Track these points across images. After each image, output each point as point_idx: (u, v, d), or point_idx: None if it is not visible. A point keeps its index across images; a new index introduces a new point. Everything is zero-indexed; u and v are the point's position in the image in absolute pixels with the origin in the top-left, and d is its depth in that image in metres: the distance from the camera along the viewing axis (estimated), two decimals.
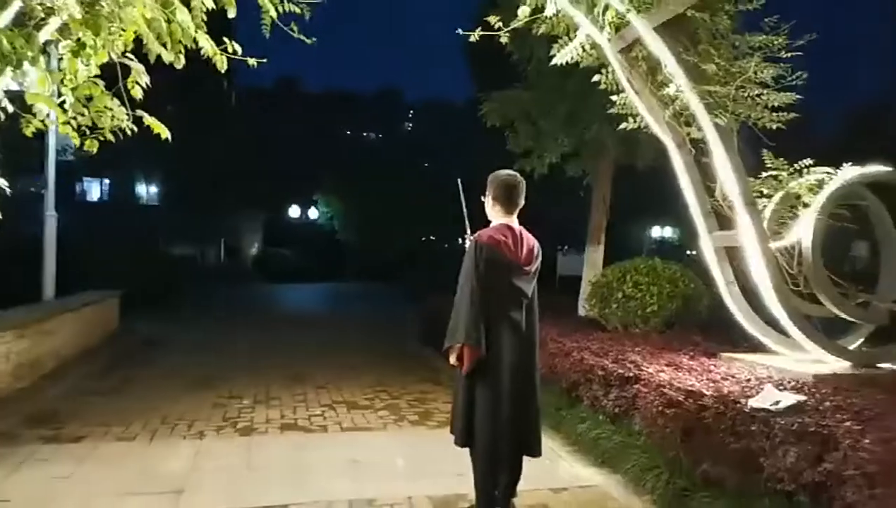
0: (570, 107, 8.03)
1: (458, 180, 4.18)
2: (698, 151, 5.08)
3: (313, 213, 35.55)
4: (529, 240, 3.70)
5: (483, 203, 3.79)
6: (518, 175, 3.72)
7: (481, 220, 3.83)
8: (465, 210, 4.11)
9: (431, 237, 39.63)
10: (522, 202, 3.70)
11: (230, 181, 33.33)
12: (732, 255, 5.15)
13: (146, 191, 38.72)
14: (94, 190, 38.58)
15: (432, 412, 6.05)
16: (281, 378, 7.37)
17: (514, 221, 3.67)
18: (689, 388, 4.12)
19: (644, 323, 6.77)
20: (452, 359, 3.55)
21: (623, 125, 5.28)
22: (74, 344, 8.00)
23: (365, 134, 54.66)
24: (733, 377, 4.39)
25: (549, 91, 8.32)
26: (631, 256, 7.69)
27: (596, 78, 5.24)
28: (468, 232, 3.94)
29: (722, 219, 5.13)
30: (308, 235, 32.25)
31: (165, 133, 3.35)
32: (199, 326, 12.32)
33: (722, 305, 5.59)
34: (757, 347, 5.42)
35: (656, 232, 37.01)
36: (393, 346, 10.03)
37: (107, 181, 37.13)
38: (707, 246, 5.09)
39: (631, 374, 4.81)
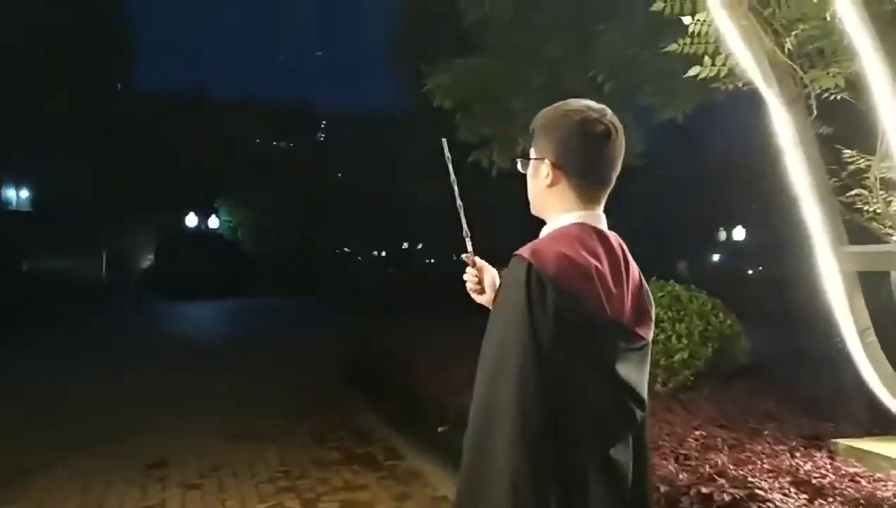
0: (547, 77, 6.05)
1: (444, 140, 2.00)
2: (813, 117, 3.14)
3: (213, 222, 32.10)
4: (633, 265, 1.53)
5: (525, 177, 1.61)
6: (607, 111, 1.53)
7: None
8: (458, 197, 1.94)
9: (345, 249, 37.38)
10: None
11: (117, 187, 29.58)
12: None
13: (16, 195, 33.94)
14: None
15: None
16: (129, 466, 4.78)
17: (602, 221, 1.49)
18: None
19: (668, 376, 4.77)
20: None
21: (694, 71, 3.24)
22: None
23: (275, 142, 52.49)
24: None
25: (519, 58, 6.31)
26: None
27: None
28: (469, 245, 1.75)
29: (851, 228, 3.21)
30: (208, 246, 28.83)
31: None
32: (29, 371, 9.19)
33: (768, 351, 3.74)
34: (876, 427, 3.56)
35: None
36: (306, 393, 7.55)
37: None
38: (831, 268, 3.12)
39: (728, 498, 2.72)
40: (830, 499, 2.59)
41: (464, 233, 1.80)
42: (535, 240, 1.47)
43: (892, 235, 3.18)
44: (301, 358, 9.92)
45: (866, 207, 3.14)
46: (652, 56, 4.30)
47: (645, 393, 1.44)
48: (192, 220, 30.90)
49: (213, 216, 32.21)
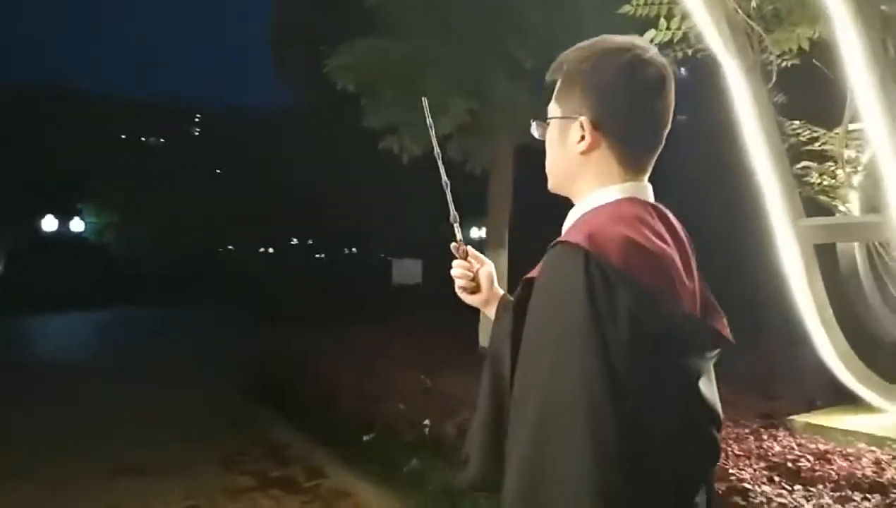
0: (464, 58, 5.69)
1: (424, 99, 1.62)
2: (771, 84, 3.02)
3: (77, 225, 29.10)
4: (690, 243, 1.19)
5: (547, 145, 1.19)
6: (653, 47, 1.17)
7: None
8: (443, 172, 1.56)
9: (229, 247, 35.55)
10: None
11: None
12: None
13: None
14: None
15: None
16: None
17: (651, 195, 1.12)
18: None
19: None
20: None
21: (648, 35, 3.00)
22: None
23: (143, 138, 49.17)
24: None
25: (430, 39, 5.90)
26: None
27: None
28: (458, 232, 1.42)
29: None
30: (69, 252, 26.08)
31: None
32: None
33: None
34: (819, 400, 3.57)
35: (474, 232, 36.54)
36: (208, 413, 6.72)
37: None
38: (789, 242, 3.02)
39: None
40: (820, 486, 2.46)
41: (451, 217, 1.44)
42: (580, 222, 1.08)
43: (838, 207, 3.13)
44: (195, 374, 8.78)
45: (816, 180, 3.07)
46: (583, 30, 4.07)
47: (721, 411, 1.12)
48: (50, 224, 27.77)
49: (77, 218, 29.18)
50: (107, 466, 4.89)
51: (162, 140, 49.43)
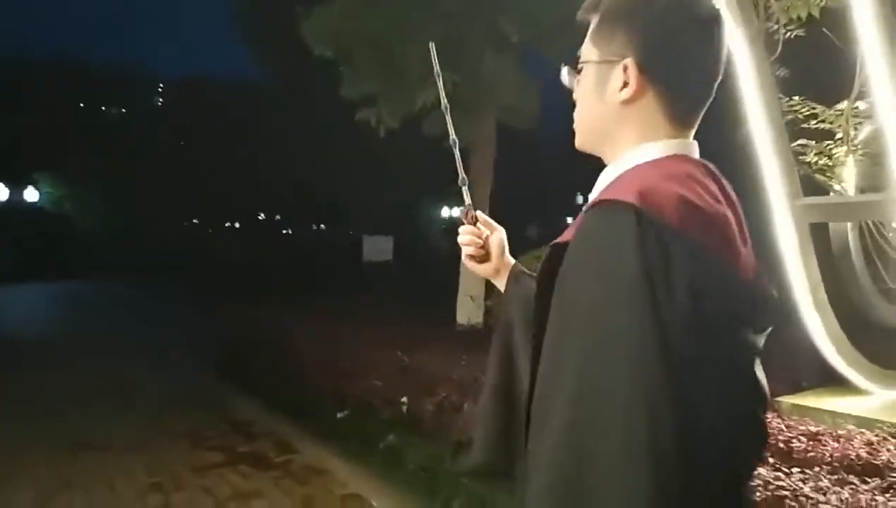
0: (446, 29, 5.47)
1: (431, 44, 1.44)
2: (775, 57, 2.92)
3: (31, 195, 27.99)
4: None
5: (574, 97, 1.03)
6: None
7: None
8: (452, 130, 1.40)
9: (194, 221, 34.69)
10: None
11: None
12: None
13: None
14: None
15: None
16: None
17: (696, 151, 0.95)
18: None
19: None
20: None
21: None
22: None
23: (104, 108, 47.58)
24: None
25: (411, 8, 5.65)
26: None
27: None
28: (467, 196, 1.27)
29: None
30: (23, 221, 25.11)
31: None
32: None
33: None
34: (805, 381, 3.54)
35: (445, 211, 36.15)
36: (172, 389, 6.48)
37: None
38: (786, 221, 2.95)
39: None
40: (816, 468, 2.41)
41: (460, 180, 1.29)
42: (622, 181, 0.92)
43: (834, 187, 3.08)
44: (158, 350, 8.47)
45: (813, 159, 3.01)
46: (575, 4, 3.95)
47: (767, 392, 1.00)
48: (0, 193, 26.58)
49: (31, 188, 28.02)
50: (66, 442, 4.66)
51: (123, 110, 47.95)
